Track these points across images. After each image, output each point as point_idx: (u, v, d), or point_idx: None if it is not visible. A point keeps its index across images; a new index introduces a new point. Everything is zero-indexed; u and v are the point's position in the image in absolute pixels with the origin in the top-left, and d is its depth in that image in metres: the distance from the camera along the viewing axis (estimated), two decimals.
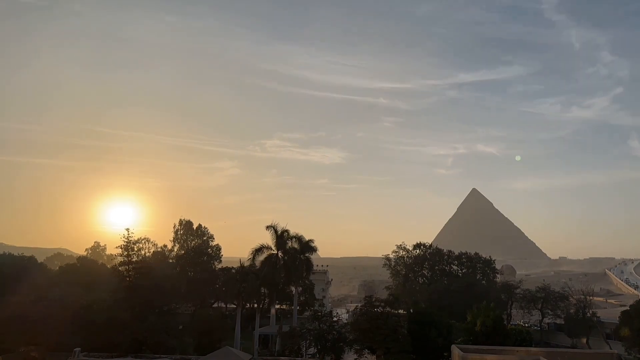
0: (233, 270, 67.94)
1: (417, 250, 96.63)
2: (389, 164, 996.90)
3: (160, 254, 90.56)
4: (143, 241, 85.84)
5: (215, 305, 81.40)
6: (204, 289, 76.03)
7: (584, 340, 65.81)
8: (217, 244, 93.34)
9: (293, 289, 72.55)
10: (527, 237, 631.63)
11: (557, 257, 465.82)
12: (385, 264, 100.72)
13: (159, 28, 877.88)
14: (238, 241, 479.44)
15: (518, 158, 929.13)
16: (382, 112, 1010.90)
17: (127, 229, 68.95)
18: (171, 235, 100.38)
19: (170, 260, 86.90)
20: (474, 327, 52.89)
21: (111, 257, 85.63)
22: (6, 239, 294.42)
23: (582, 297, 71.72)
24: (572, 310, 69.89)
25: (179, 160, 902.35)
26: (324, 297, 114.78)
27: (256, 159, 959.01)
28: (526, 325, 73.34)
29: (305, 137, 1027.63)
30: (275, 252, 66.90)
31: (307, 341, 52.50)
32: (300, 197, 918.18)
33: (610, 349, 56.92)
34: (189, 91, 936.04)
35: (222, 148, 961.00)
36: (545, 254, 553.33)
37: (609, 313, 79.45)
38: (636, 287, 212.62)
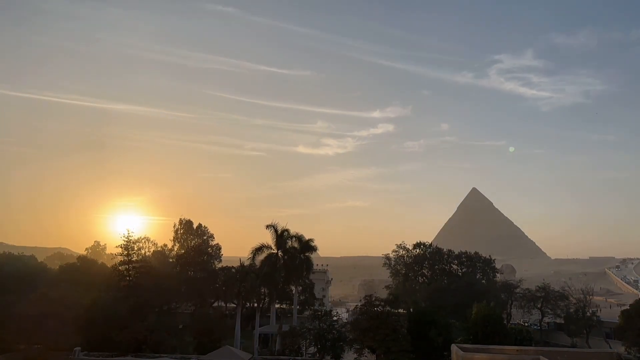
0: (233, 270, 67.97)
1: (417, 250, 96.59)
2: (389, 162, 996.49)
3: (160, 254, 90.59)
4: (143, 240, 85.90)
5: (215, 304, 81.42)
6: (204, 289, 76.02)
7: (584, 339, 65.85)
8: (217, 244, 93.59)
9: (293, 288, 72.58)
10: (527, 236, 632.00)
11: (557, 257, 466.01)
12: (385, 264, 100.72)
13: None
14: (238, 241, 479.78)
15: (512, 149, 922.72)
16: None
17: (127, 229, 69.24)
18: (171, 235, 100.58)
19: (170, 260, 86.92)
20: (474, 327, 52.95)
21: (111, 256, 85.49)
22: (6, 239, 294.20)
23: (582, 296, 71.79)
24: (572, 310, 69.91)
25: (179, 160, 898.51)
26: (323, 296, 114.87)
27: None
28: (526, 324, 73.43)
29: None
30: (275, 251, 66.88)
31: (307, 340, 52.55)
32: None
33: (610, 348, 56.98)
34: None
35: (223, 147, 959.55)
36: (545, 254, 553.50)
37: (609, 312, 79.64)
38: (636, 287, 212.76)
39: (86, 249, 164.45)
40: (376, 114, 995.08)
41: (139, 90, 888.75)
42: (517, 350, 42.70)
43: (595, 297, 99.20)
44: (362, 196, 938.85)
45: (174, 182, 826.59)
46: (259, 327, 59.56)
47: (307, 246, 69.40)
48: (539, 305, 73.64)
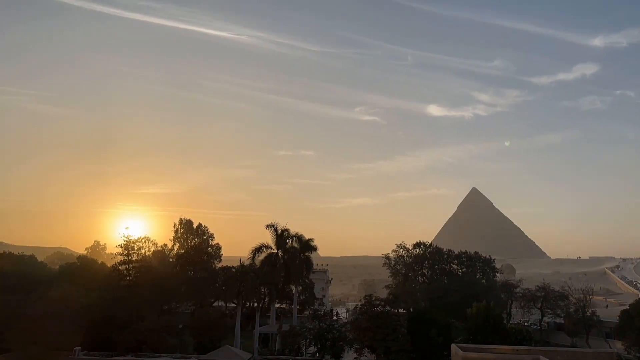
0: (233, 270, 67.91)
1: (417, 250, 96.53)
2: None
3: (160, 253, 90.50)
4: (143, 240, 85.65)
5: (215, 304, 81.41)
6: (204, 288, 76.02)
7: (584, 339, 65.86)
8: (217, 243, 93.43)
9: (293, 288, 72.63)
10: (527, 236, 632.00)
11: (557, 257, 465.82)
12: (385, 263, 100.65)
13: None
14: (238, 240, 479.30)
15: (507, 144, 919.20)
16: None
17: (127, 228, 69.29)
18: (171, 234, 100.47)
19: (170, 260, 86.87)
20: (474, 326, 52.95)
21: (111, 256, 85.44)
22: (6, 239, 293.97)
23: (582, 296, 71.80)
24: (571, 310, 69.94)
25: (180, 158, 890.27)
26: (323, 296, 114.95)
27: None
28: (526, 324, 73.36)
29: None
30: (275, 251, 67.02)
31: (307, 340, 52.56)
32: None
33: (610, 348, 56.97)
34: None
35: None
36: (545, 253, 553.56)
37: (609, 312, 79.58)
38: (636, 287, 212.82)
39: (86, 248, 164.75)
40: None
41: (143, 88, 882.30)
42: (517, 350, 42.71)
43: (595, 297, 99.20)
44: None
45: (177, 178, 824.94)
46: (259, 326, 59.56)
47: (307, 246, 69.54)
48: (538, 305, 73.66)
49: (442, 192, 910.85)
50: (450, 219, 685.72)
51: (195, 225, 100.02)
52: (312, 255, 71.99)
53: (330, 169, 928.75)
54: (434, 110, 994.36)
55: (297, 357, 49.89)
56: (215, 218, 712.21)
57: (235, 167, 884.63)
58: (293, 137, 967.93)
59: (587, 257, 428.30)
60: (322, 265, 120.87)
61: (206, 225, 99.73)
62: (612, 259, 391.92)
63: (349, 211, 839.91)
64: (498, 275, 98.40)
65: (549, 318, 74.41)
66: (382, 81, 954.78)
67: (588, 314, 67.48)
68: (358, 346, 49.84)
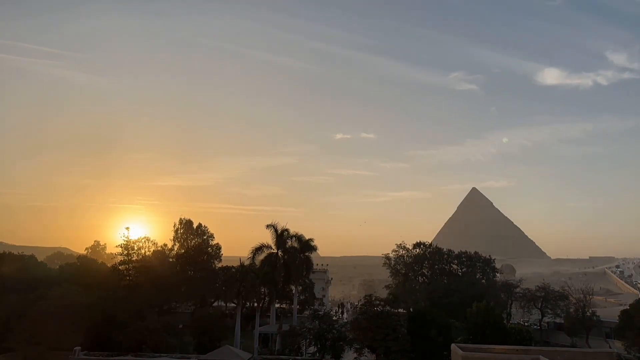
0: (233, 269, 67.93)
1: (417, 250, 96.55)
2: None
3: (160, 253, 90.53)
4: (143, 240, 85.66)
5: (215, 304, 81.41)
6: (204, 288, 76.03)
7: (584, 339, 65.88)
8: (217, 243, 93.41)
9: (293, 288, 72.66)
10: (527, 236, 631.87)
11: (557, 257, 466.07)
12: (385, 263, 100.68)
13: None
14: (238, 240, 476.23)
15: (505, 140, 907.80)
16: None
17: (127, 228, 69.33)
18: (171, 234, 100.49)
19: (170, 260, 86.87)
20: (474, 326, 52.95)
21: (111, 256, 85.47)
22: (6, 238, 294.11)
23: (582, 296, 71.81)
24: (571, 310, 69.95)
25: (181, 157, 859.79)
26: (324, 296, 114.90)
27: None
28: (526, 324, 73.41)
29: None
30: (275, 251, 67.04)
31: (307, 340, 52.56)
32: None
33: (610, 348, 56.97)
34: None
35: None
36: (545, 253, 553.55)
37: (609, 312, 79.48)
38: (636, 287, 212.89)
39: (86, 248, 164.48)
40: None
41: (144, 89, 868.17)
42: (517, 350, 42.75)
43: (595, 297, 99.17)
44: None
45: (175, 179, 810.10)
46: (259, 326, 59.57)
47: (307, 246, 69.60)
48: (538, 305, 73.69)
49: (501, 184, 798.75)
50: (450, 218, 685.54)
51: (195, 225, 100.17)
52: (312, 255, 72.05)
53: (383, 156, 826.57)
54: (550, 75, 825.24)
55: (297, 357, 49.88)
56: (237, 214, 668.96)
57: (275, 154, 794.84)
58: (356, 115, 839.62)
59: (587, 257, 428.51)
60: (322, 265, 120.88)
61: (206, 225, 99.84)
62: (612, 259, 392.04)
63: (387, 205, 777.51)
64: (498, 275, 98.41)
65: (548, 318, 74.41)
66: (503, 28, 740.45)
67: (588, 314, 67.50)
68: (358, 346, 49.84)
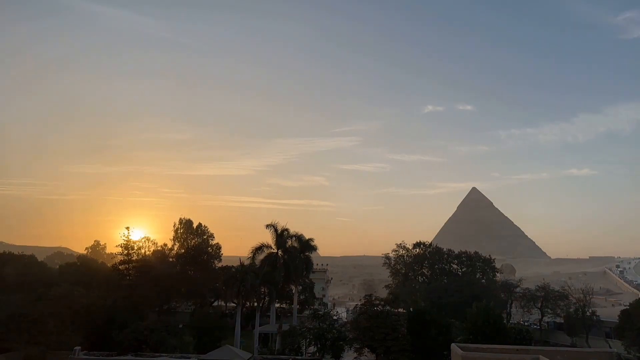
0: (233, 269, 67.98)
1: (417, 249, 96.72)
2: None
3: (160, 253, 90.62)
4: (143, 240, 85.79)
5: (215, 304, 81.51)
6: (204, 288, 76.12)
7: (584, 339, 65.92)
8: (217, 243, 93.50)
9: (293, 287, 72.73)
10: (526, 236, 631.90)
11: (557, 257, 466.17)
12: (385, 263, 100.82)
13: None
14: (238, 240, 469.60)
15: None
16: None
17: (127, 228, 69.36)
18: (171, 234, 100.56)
19: (170, 259, 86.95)
20: (474, 326, 52.93)
21: (111, 255, 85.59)
22: (6, 238, 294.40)
23: (582, 296, 71.87)
24: (571, 309, 70.02)
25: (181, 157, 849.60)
26: (323, 295, 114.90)
27: None
28: (526, 324, 73.46)
29: None
30: (275, 251, 67.11)
31: (307, 340, 52.56)
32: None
33: (610, 347, 57.00)
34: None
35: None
36: (545, 253, 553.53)
37: (609, 312, 79.62)
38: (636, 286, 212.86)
39: (86, 248, 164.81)
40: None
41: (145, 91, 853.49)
42: (517, 350, 42.71)
43: (595, 296, 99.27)
44: None
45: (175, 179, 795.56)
46: (259, 326, 59.64)
47: (307, 245, 69.69)
48: (538, 305, 73.77)
49: (584, 173, 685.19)
50: (450, 218, 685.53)
51: (195, 225, 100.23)
52: (312, 255, 72.11)
53: (462, 138, 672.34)
54: None
55: (297, 357, 49.85)
56: (272, 209, 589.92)
57: (328, 134, 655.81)
58: (452, 82, 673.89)
59: (587, 257, 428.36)
60: (322, 265, 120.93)
61: (206, 225, 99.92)
62: (612, 259, 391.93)
63: (433, 198, 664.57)
64: (498, 275, 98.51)
65: (548, 318, 74.49)
66: None
67: (588, 313, 67.55)
68: (358, 346, 49.83)
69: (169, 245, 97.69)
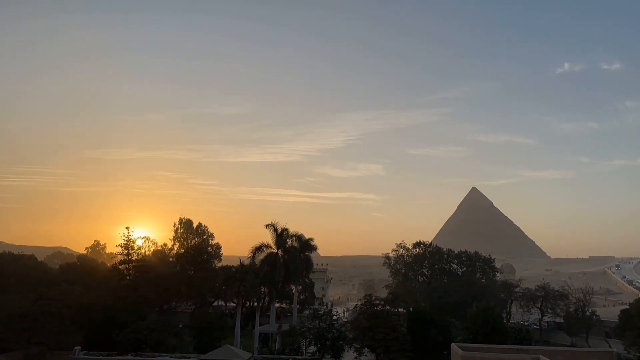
0: (233, 269, 67.99)
1: (417, 249, 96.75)
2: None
3: (160, 253, 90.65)
4: (143, 240, 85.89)
5: (215, 303, 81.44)
6: (204, 288, 76.04)
7: (584, 338, 65.93)
8: (217, 243, 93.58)
9: (293, 287, 72.71)
10: (526, 235, 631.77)
11: (557, 257, 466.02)
12: (385, 263, 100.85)
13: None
14: (238, 240, 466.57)
15: None
16: None
17: (127, 228, 69.31)
18: (171, 234, 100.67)
19: (170, 259, 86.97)
20: (474, 326, 52.93)
21: (111, 255, 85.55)
22: (6, 238, 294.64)
23: (582, 295, 71.90)
24: (571, 309, 70.03)
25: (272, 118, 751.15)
26: (323, 295, 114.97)
27: None
28: (526, 323, 73.50)
29: None
30: (275, 250, 67.02)
31: (307, 340, 52.56)
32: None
33: (610, 347, 57.01)
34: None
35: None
36: (545, 253, 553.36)
37: (609, 312, 79.70)
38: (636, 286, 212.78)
39: (86, 248, 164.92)
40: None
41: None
42: (517, 350, 42.70)
43: (595, 296, 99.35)
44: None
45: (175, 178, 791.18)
46: (259, 326, 59.61)
47: (307, 245, 69.62)
48: (538, 305, 73.76)
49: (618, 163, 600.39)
50: (450, 218, 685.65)
51: (195, 225, 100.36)
52: (312, 255, 72.07)
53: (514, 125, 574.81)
54: None
55: (297, 357, 49.85)
56: (317, 204, 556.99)
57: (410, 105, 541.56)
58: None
59: (587, 257, 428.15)
60: (322, 264, 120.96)
61: (206, 225, 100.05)
62: (612, 258, 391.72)
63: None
64: (498, 275, 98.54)
65: (548, 318, 74.50)
66: None
67: (588, 313, 67.57)
68: (358, 346, 49.81)
69: (169, 245, 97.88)
